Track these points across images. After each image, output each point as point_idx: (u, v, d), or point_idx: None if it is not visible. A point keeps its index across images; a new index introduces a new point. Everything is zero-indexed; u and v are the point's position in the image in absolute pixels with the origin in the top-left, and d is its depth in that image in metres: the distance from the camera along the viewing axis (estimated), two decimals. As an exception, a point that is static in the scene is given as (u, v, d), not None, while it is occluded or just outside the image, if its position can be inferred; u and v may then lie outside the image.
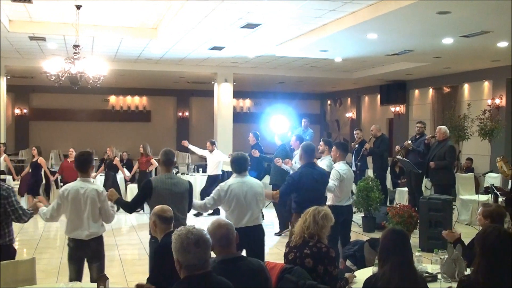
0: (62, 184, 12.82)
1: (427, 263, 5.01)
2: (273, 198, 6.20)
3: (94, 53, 13.34)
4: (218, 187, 5.65)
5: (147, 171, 12.95)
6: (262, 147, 11.07)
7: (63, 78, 9.29)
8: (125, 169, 13.46)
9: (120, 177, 13.27)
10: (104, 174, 12.97)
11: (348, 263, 6.13)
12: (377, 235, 8.00)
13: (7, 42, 12.18)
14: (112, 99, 23.31)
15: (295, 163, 8.43)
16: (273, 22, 9.74)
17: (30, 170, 12.29)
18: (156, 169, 12.97)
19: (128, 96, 23.48)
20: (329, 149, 7.63)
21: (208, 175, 12.40)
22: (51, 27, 10.93)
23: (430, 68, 15.06)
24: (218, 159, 12.35)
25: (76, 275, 5.14)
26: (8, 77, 15.30)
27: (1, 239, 4.83)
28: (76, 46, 9.28)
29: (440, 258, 4.61)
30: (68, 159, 12.47)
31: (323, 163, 7.46)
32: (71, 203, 5.09)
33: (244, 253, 4.98)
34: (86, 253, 5.17)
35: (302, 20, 9.63)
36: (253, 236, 5.55)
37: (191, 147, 12.54)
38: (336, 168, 6.97)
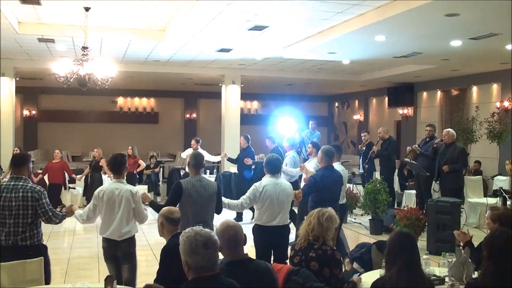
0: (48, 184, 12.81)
1: (435, 266, 4.99)
2: (296, 197, 6.36)
3: (103, 55, 13.39)
4: (253, 187, 5.92)
5: (134, 172, 13.06)
6: (253, 150, 11.44)
7: (71, 80, 9.33)
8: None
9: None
10: (90, 176, 12.96)
11: (355, 265, 6.12)
12: (385, 237, 7.97)
13: (16, 44, 12.25)
14: (120, 100, 23.38)
15: (286, 165, 9.09)
16: (280, 24, 9.74)
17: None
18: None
19: (136, 98, 23.54)
20: (316, 151, 8.12)
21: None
22: (60, 29, 10.99)
23: (438, 71, 15.01)
24: (205, 158, 12.38)
25: (115, 274, 5.29)
26: (17, 79, 15.39)
27: (30, 239, 4.91)
28: (84, 48, 9.33)
29: (448, 261, 4.60)
30: (53, 160, 12.52)
31: (310, 164, 7.86)
32: (106, 203, 5.24)
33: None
34: (118, 253, 5.30)
35: (310, 22, 9.63)
36: (281, 234, 5.93)
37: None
38: None
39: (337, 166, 7.35)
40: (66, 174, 13.07)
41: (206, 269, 2.88)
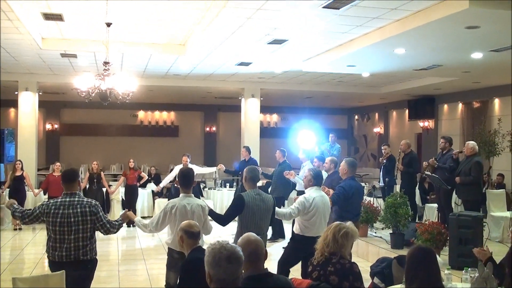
0: (46, 198, 12.75)
1: (457, 281, 4.93)
2: None
3: (124, 69, 13.55)
4: (302, 199, 6.14)
5: (137, 184, 13.15)
6: (256, 161, 11.66)
7: (93, 94, 9.43)
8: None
9: (149, 191, 13.32)
10: (88, 188, 12.97)
11: (376, 280, 6.05)
12: (406, 252, 7.89)
13: (39, 59, 12.47)
14: (141, 114, 23.58)
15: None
16: (300, 37, 9.77)
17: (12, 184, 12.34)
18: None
19: (156, 111, 23.73)
20: (322, 164, 8.76)
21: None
22: (82, 44, 11.17)
23: (459, 83, 14.89)
24: (195, 172, 12.33)
25: (175, 282, 5.34)
26: (40, 93, 15.63)
27: (90, 253, 5.01)
28: (106, 63, 9.43)
29: (471, 277, 4.54)
30: (54, 173, 12.42)
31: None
32: (179, 218, 5.26)
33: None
34: None
35: (329, 36, 9.64)
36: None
37: (164, 181, 12.48)
38: None
39: None
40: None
41: (227, 283, 2.88)
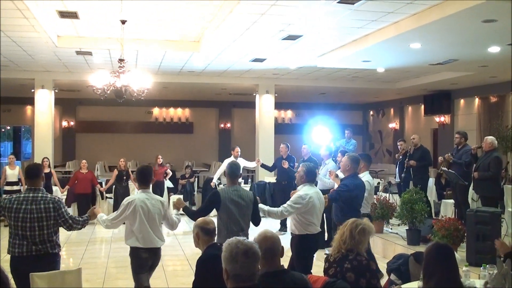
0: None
1: (475, 278, 4.88)
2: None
3: (138, 66, 13.60)
4: (297, 196, 5.89)
5: (164, 180, 13.33)
6: (294, 158, 11.58)
7: (108, 92, 9.47)
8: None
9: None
10: (114, 185, 13.07)
11: (392, 277, 6.02)
12: (422, 248, 7.82)
13: (55, 57, 12.56)
14: (156, 111, 23.67)
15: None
16: (314, 33, 9.73)
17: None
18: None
19: (171, 108, 23.79)
20: None
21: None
22: (97, 42, 11.23)
23: (475, 77, 14.73)
24: (242, 165, 12.44)
25: (148, 283, 5.44)
26: (56, 91, 15.75)
27: (58, 247, 5.01)
28: (121, 60, 9.47)
29: (489, 273, 4.49)
30: (81, 170, 12.69)
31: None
32: (140, 214, 5.29)
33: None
34: (155, 260, 5.47)
35: (344, 31, 9.59)
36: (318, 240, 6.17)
37: (216, 176, 12.63)
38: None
39: (366, 175, 7.34)
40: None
41: (244, 279, 2.87)
